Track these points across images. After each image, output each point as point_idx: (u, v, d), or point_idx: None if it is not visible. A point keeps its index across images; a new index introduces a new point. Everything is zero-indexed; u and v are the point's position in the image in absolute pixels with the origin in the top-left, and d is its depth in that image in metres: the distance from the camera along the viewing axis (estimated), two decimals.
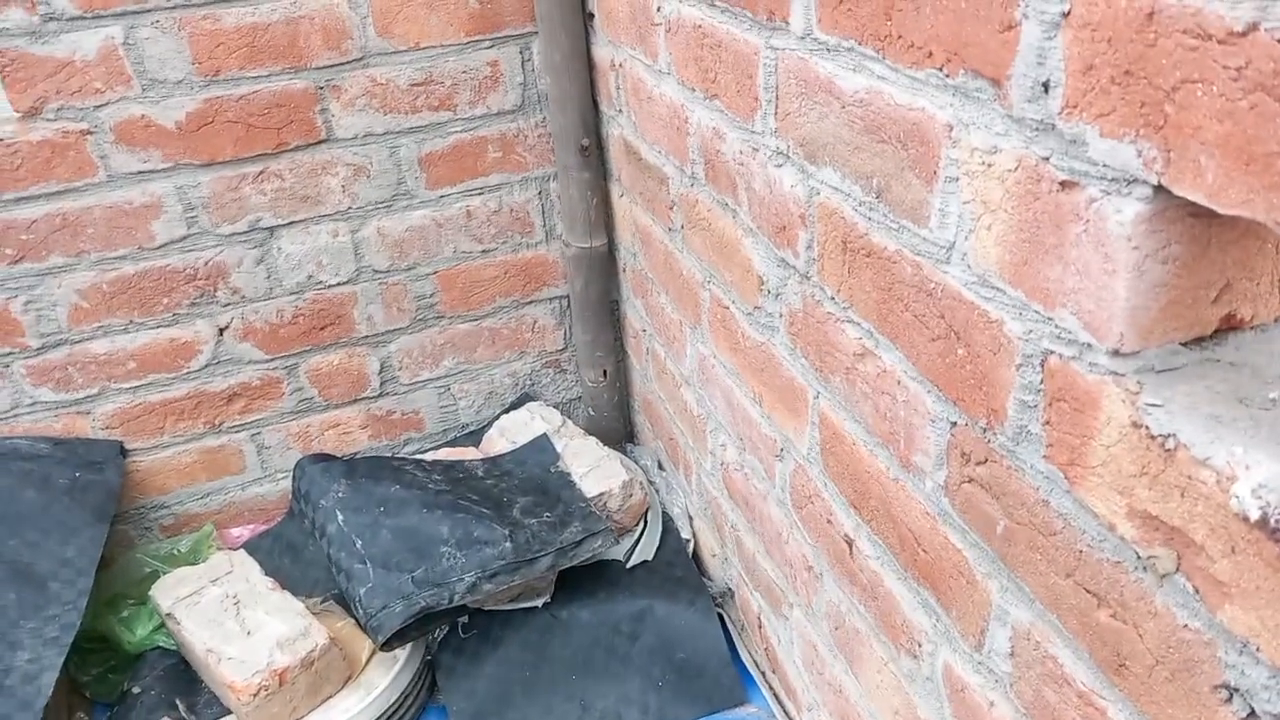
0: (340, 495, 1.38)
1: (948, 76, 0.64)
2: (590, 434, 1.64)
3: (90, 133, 1.37)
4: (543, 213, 1.68)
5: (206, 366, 1.57)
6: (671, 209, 1.30)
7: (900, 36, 0.68)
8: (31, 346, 1.46)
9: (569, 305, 1.74)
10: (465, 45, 1.51)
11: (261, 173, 1.48)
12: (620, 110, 1.43)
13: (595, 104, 1.54)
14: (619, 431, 1.82)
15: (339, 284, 1.60)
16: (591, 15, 1.46)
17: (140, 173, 1.41)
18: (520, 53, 1.55)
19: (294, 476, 1.49)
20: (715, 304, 1.21)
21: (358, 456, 1.69)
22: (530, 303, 1.75)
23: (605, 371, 1.75)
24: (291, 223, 1.53)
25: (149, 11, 1.33)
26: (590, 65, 1.51)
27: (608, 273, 1.67)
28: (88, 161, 1.38)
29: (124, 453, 1.56)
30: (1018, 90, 0.57)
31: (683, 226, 1.27)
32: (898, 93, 0.70)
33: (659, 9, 1.16)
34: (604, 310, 1.70)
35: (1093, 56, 0.50)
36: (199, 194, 1.46)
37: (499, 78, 1.55)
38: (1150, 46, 0.46)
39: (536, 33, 1.52)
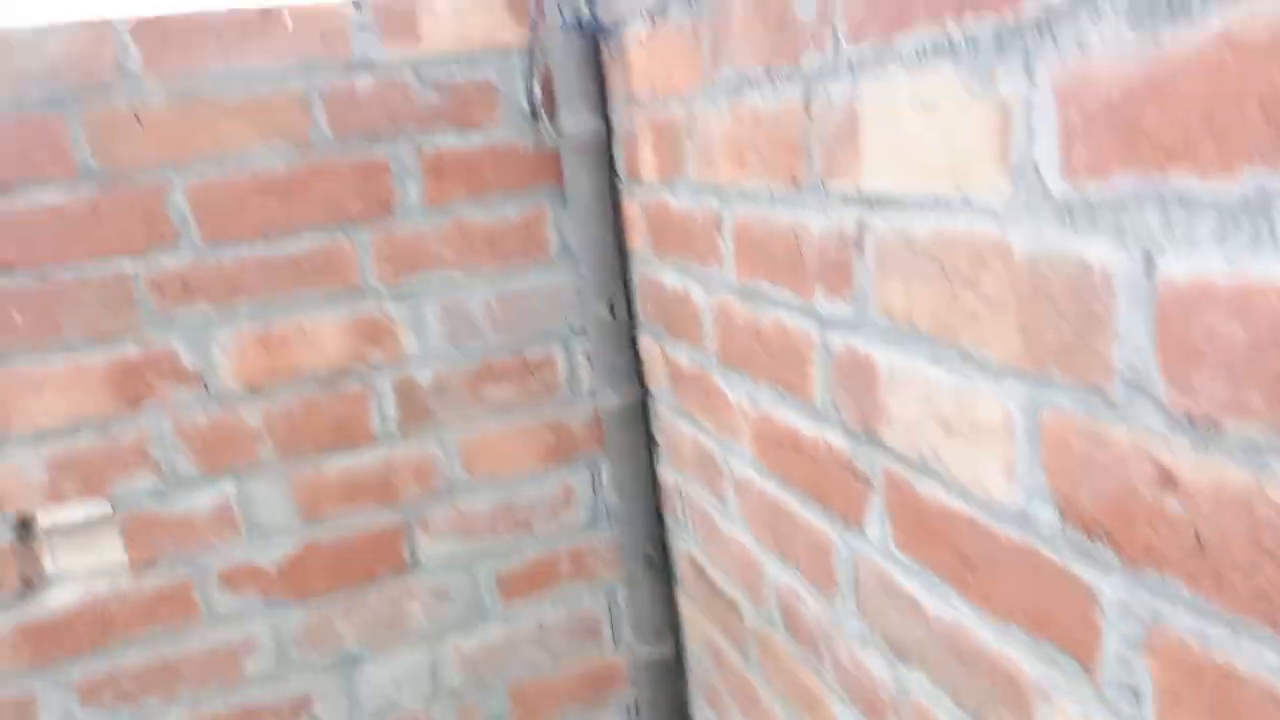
0: None
1: (1033, 639, 0.69)
2: None
3: (197, 579, 1.47)
4: (610, 620, 1.73)
5: None
6: (745, 639, 1.32)
7: (978, 588, 0.74)
8: None
9: (638, 713, 1.74)
10: (542, 473, 1.64)
11: (350, 603, 1.56)
12: (686, 529, 1.51)
13: (660, 517, 1.63)
14: None
15: (415, 706, 1.62)
16: (656, 444, 1.59)
17: (239, 613, 1.49)
18: (591, 475, 1.67)
19: None
20: None
21: None
22: (597, 711, 1.75)
23: None
24: (375, 649, 1.58)
25: (261, 468, 1.48)
26: (655, 484, 1.62)
27: (676, 679, 1.68)
28: (192, 605, 1.47)
29: None
30: (1108, 680, 0.62)
31: (759, 659, 1.29)
32: (985, 634, 0.75)
33: (727, 465, 1.26)
34: None
35: (1177, 686, 0.56)
36: (290, 628, 1.53)
37: (571, 498, 1.67)
38: None
39: (606, 457, 1.66)
